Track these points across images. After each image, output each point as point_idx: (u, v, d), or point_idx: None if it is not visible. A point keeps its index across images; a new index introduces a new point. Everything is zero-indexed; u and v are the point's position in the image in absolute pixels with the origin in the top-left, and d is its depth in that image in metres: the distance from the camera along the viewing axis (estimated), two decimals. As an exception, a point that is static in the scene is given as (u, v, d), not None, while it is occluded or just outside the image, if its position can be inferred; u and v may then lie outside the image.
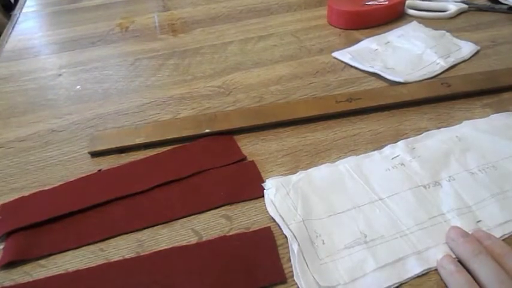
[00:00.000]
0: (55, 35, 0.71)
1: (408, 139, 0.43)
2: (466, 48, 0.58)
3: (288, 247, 0.34)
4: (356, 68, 0.56)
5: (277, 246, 0.34)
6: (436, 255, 0.32)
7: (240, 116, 0.48)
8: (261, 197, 0.39)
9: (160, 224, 0.37)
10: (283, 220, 0.35)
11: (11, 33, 0.73)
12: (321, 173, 0.40)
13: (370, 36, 0.62)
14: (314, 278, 0.31)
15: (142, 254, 0.35)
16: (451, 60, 0.56)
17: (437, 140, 0.43)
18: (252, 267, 0.33)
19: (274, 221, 0.36)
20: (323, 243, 0.33)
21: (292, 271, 0.32)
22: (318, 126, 0.47)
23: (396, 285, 0.31)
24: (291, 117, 0.47)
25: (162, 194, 0.40)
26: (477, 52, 0.58)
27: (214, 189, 0.40)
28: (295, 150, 0.44)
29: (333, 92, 0.52)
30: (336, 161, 0.42)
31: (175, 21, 0.73)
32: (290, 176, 0.40)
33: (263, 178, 0.40)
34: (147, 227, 0.37)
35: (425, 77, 0.53)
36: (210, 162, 0.42)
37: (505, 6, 0.68)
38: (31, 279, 0.33)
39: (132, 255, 0.35)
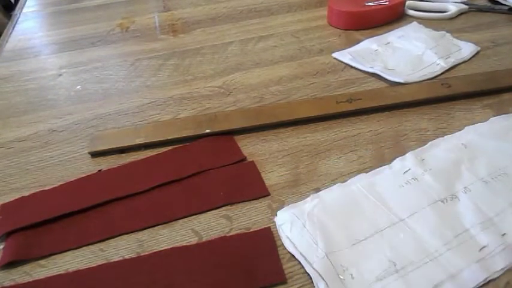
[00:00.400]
0: (55, 35, 0.71)
1: (415, 150, 0.42)
2: (466, 49, 0.58)
3: (287, 247, 0.34)
4: (356, 69, 0.56)
5: (277, 246, 0.34)
6: (471, 277, 0.31)
7: (241, 116, 0.48)
8: (261, 197, 0.39)
9: (161, 224, 0.37)
10: (305, 259, 0.33)
11: (11, 33, 0.73)
12: (333, 195, 0.38)
13: (370, 37, 0.62)
14: None
15: (142, 254, 0.35)
16: (451, 61, 0.56)
17: (444, 150, 0.42)
18: (252, 267, 0.33)
19: (294, 257, 0.33)
20: (352, 278, 0.31)
21: (292, 271, 0.32)
22: (318, 127, 0.47)
23: None
24: (292, 117, 0.47)
25: (162, 194, 0.40)
26: (477, 53, 0.58)
27: (215, 189, 0.40)
28: (295, 150, 0.44)
29: (333, 93, 0.52)
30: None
31: (176, 22, 0.73)
32: (302, 203, 0.37)
33: (263, 178, 0.40)
34: (147, 227, 0.37)
35: (426, 77, 0.53)
36: (210, 163, 0.42)
37: (505, 7, 0.68)
38: (31, 279, 0.33)
39: (132, 255, 0.35)
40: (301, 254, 0.33)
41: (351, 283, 0.31)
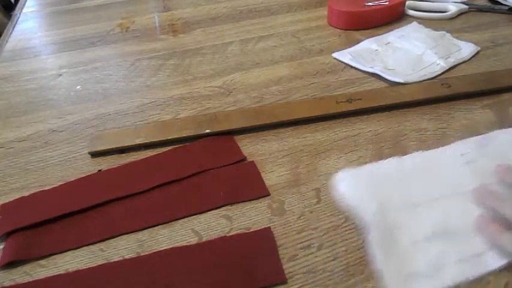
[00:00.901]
0: (55, 35, 0.71)
1: (476, 137, 0.43)
2: (466, 49, 0.58)
3: (287, 248, 0.34)
4: (356, 69, 0.56)
5: (277, 246, 0.34)
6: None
7: (241, 116, 0.48)
8: (261, 197, 0.39)
9: (161, 224, 0.37)
10: (358, 211, 0.35)
11: (11, 33, 0.73)
12: (389, 165, 0.40)
13: (370, 37, 0.62)
14: (397, 267, 0.31)
15: (142, 254, 0.35)
16: (451, 61, 0.56)
17: (504, 139, 0.42)
18: (252, 267, 0.33)
19: (348, 212, 0.36)
20: (401, 234, 0.34)
21: (292, 271, 0.32)
22: (318, 127, 0.47)
23: (477, 277, 0.31)
24: (291, 117, 0.47)
25: (162, 194, 0.40)
26: (477, 53, 0.58)
27: (215, 189, 0.40)
28: (295, 150, 0.44)
29: (333, 93, 0.52)
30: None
31: (176, 22, 0.73)
32: (359, 168, 0.40)
33: (263, 178, 0.40)
34: (147, 227, 0.37)
35: (426, 77, 0.53)
36: (210, 163, 0.42)
37: (505, 7, 0.68)
38: (31, 279, 0.33)
39: (132, 255, 0.35)
40: (355, 207, 0.36)
41: (400, 238, 0.33)
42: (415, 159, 0.41)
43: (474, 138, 0.42)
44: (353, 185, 0.38)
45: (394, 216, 0.35)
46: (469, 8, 0.69)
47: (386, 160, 0.41)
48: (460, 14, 0.68)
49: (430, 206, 0.36)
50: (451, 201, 0.36)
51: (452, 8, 0.68)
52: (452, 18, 0.67)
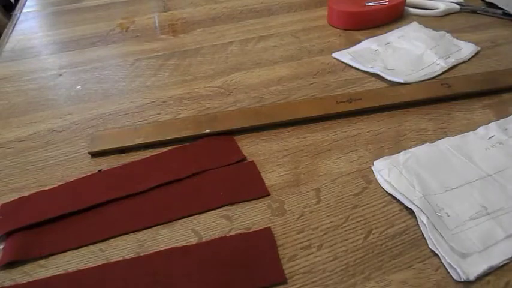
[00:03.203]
0: (55, 35, 0.71)
1: (498, 121, 0.45)
2: (466, 49, 0.58)
3: (287, 248, 0.34)
4: (356, 69, 0.56)
5: (277, 246, 0.34)
6: None
7: (241, 116, 0.48)
8: (261, 197, 0.39)
9: (161, 224, 0.37)
10: (405, 196, 0.37)
11: (11, 33, 0.73)
12: (424, 151, 0.42)
13: (370, 37, 0.63)
14: (451, 246, 0.33)
15: (142, 254, 0.35)
16: (451, 61, 0.56)
17: None
18: (252, 267, 0.33)
19: (394, 198, 0.38)
20: (448, 216, 0.35)
21: (292, 271, 0.32)
22: (318, 127, 0.47)
23: None
24: (291, 117, 0.47)
25: (162, 194, 0.40)
26: (477, 53, 0.58)
27: (215, 189, 0.40)
28: (295, 150, 0.44)
29: (333, 93, 0.52)
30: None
31: (176, 22, 0.73)
32: (395, 156, 0.41)
33: (263, 178, 0.40)
34: (147, 227, 0.37)
35: (426, 77, 0.53)
36: (210, 163, 0.42)
37: (500, 11, 0.67)
38: (31, 279, 0.33)
39: (132, 255, 0.35)
40: (401, 193, 0.37)
41: (447, 219, 0.35)
42: (447, 144, 0.42)
43: (494, 123, 0.44)
44: (394, 174, 0.39)
45: (437, 199, 0.37)
46: (461, 8, 0.68)
47: (420, 146, 0.42)
48: (450, 13, 0.68)
49: (470, 188, 0.38)
50: (488, 182, 0.38)
51: (441, 6, 0.67)
52: (453, 18, 0.67)
